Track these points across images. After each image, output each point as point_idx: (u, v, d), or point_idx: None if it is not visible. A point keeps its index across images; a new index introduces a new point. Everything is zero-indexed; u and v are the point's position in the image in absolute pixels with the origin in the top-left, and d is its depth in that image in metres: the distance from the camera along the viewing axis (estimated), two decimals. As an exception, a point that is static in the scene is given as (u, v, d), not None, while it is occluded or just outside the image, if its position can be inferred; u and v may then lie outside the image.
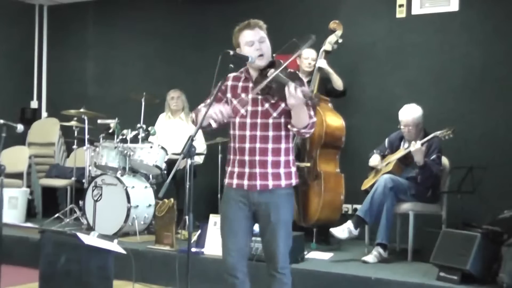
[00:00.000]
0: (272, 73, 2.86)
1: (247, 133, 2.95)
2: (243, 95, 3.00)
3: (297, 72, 3.02)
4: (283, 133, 2.98)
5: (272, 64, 2.97)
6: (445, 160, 4.98)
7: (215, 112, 2.85)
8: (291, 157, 3.04)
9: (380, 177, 4.76)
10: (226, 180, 3.07)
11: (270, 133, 2.96)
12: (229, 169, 3.06)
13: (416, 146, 4.64)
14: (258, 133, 2.94)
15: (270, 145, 2.95)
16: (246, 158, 2.96)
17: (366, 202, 4.70)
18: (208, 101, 3.01)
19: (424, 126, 4.89)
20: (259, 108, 2.96)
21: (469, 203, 4.82)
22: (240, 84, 3.04)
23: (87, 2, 7.83)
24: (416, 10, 5.84)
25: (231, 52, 2.92)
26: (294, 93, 2.72)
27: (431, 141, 4.73)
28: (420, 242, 4.79)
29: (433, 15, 5.77)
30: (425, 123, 4.90)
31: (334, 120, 5.18)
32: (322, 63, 5.31)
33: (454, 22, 5.68)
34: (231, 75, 3.08)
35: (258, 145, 2.95)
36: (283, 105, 2.94)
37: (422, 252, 4.68)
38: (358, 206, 4.91)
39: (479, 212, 4.96)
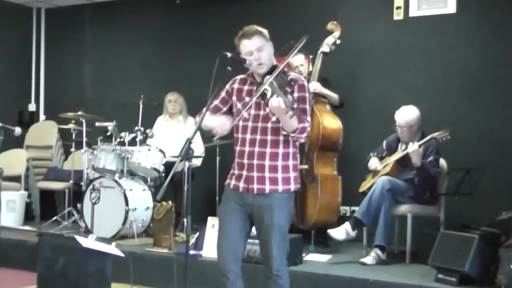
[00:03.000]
0: (267, 79, 2.89)
1: (248, 136, 2.99)
2: (247, 99, 3.04)
3: (296, 78, 3.02)
4: (281, 137, 3.00)
5: (274, 69, 2.98)
6: (442, 162, 4.99)
7: (218, 126, 2.97)
8: (292, 162, 3.04)
9: (378, 179, 4.76)
10: (227, 180, 3.12)
11: (269, 137, 2.98)
12: (231, 170, 3.11)
13: (413, 148, 4.65)
14: (258, 136, 2.98)
15: (268, 150, 2.98)
16: (245, 161, 3.00)
17: (363, 203, 4.70)
18: (212, 103, 3.08)
19: (422, 128, 4.90)
20: (261, 112, 2.99)
21: (467, 205, 4.83)
22: (246, 87, 3.09)
23: (84, 5, 7.82)
24: (413, 12, 5.85)
25: (229, 55, 2.93)
26: (274, 105, 2.76)
27: (428, 143, 4.73)
28: (418, 244, 4.79)
29: (430, 17, 5.78)
30: (422, 125, 4.91)
31: (331, 122, 5.18)
32: (315, 86, 5.19)
33: (452, 24, 5.69)
34: (238, 77, 3.14)
35: (256, 149, 2.98)
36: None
37: (420, 254, 4.69)
38: (356, 208, 4.91)
39: (477, 214, 4.97)
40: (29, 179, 7.12)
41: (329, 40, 5.32)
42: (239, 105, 3.07)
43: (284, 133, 2.93)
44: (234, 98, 3.09)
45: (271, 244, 2.96)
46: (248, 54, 3.00)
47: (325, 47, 5.32)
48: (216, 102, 3.15)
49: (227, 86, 3.16)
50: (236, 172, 3.06)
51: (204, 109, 3.02)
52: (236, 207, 3.03)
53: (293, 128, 2.88)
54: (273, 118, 2.97)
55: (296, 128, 2.89)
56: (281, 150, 3.01)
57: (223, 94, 3.16)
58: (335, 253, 5.01)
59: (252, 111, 3.02)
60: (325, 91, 5.30)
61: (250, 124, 3.01)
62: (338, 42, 5.33)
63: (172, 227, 4.98)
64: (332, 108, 5.40)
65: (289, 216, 3.09)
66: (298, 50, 5.26)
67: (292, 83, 2.91)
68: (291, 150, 3.04)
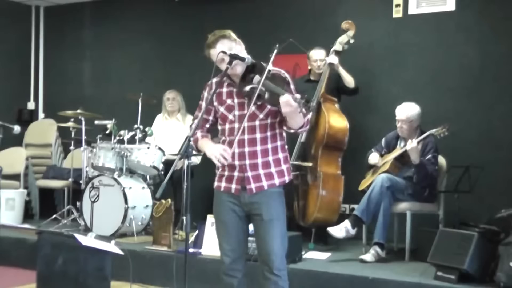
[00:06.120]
0: (257, 80, 2.85)
1: (236, 138, 2.93)
2: (228, 101, 3.00)
3: (280, 72, 2.99)
4: (269, 133, 2.98)
5: (253, 67, 2.95)
6: (442, 160, 4.99)
7: (217, 157, 2.86)
8: (281, 155, 3.03)
9: (377, 177, 4.76)
10: (215, 183, 3.08)
11: (258, 135, 2.96)
12: (218, 172, 3.07)
13: (412, 145, 4.65)
14: (246, 136, 2.95)
15: (258, 147, 2.96)
16: (236, 162, 2.96)
17: (363, 201, 4.70)
18: (198, 117, 3.03)
19: (421, 126, 4.90)
20: (246, 112, 2.94)
21: (466, 203, 4.83)
22: (224, 90, 3.03)
23: (83, 3, 7.81)
24: (412, 9, 5.84)
25: (228, 53, 2.92)
26: (288, 104, 2.71)
27: (426, 140, 4.74)
28: (417, 242, 4.79)
29: (429, 15, 5.77)
30: (422, 122, 4.91)
31: (338, 121, 5.13)
32: (333, 59, 5.25)
33: (451, 22, 5.69)
34: (213, 81, 3.08)
35: (246, 149, 2.95)
36: (269, 106, 2.94)
37: (419, 251, 4.69)
38: (355, 206, 4.91)
39: (476, 211, 4.97)
40: (28, 177, 7.11)
41: (343, 38, 5.30)
42: (222, 109, 3.01)
43: (292, 130, 2.92)
44: (215, 103, 3.02)
45: (272, 241, 2.94)
46: (218, 62, 2.96)
47: (338, 45, 5.30)
48: (203, 114, 3.05)
49: (206, 94, 3.09)
50: (226, 173, 3.02)
51: (194, 124, 3.02)
52: (233, 208, 3.01)
53: (300, 125, 2.88)
54: (261, 116, 2.95)
55: (303, 123, 2.89)
56: (270, 146, 2.98)
57: (204, 104, 3.07)
58: (334, 251, 5.01)
59: (237, 112, 2.98)
60: (341, 69, 5.32)
61: (236, 125, 2.96)
62: (352, 41, 5.31)
63: (172, 225, 4.98)
64: (348, 93, 5.42)
65: (284, 211, 3.07)
66: (318, 47, 5.35)
67: (285, 81, 2.89)
68: (279, 143, 3.03)
